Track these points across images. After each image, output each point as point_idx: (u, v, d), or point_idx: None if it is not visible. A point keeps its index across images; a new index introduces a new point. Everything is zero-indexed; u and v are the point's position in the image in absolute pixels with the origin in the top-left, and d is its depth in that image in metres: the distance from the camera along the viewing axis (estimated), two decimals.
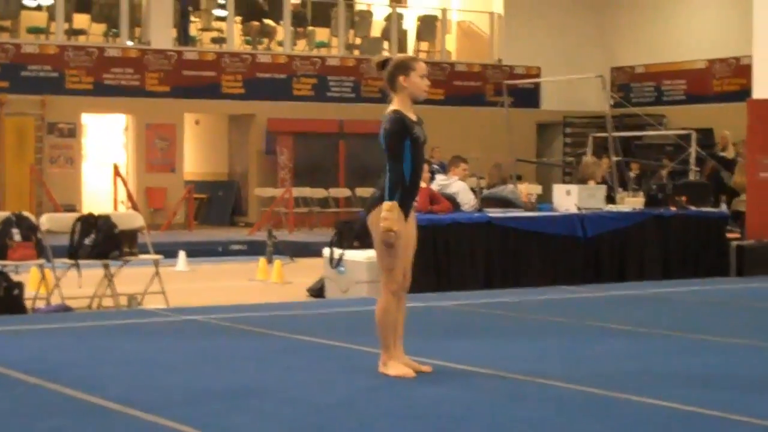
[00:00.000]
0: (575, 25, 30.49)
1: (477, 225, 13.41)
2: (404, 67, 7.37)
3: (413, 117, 7.29)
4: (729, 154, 20.94)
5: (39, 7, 26.67)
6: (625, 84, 30.23)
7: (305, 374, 7.60)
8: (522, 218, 13.93)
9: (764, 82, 15.17)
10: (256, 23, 27.97)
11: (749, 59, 15.94)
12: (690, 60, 28.86)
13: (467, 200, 14.03)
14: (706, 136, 24.46)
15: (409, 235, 7.36)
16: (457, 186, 14.11)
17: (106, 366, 7.98)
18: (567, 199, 14.50)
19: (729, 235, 15.21)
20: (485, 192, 15.17)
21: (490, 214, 13.72)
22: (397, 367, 7.27)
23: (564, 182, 22.06)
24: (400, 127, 7.18)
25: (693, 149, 20.69)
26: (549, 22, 30.14)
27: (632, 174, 22.70)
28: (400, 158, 7.14)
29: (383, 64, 7.45)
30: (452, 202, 13.63)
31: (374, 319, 7.38)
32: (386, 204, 7.06)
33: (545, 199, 18.89)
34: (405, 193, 7.24)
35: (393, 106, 7.31)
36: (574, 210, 14.23)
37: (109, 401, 6.52)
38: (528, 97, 29.07)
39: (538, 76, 29.28)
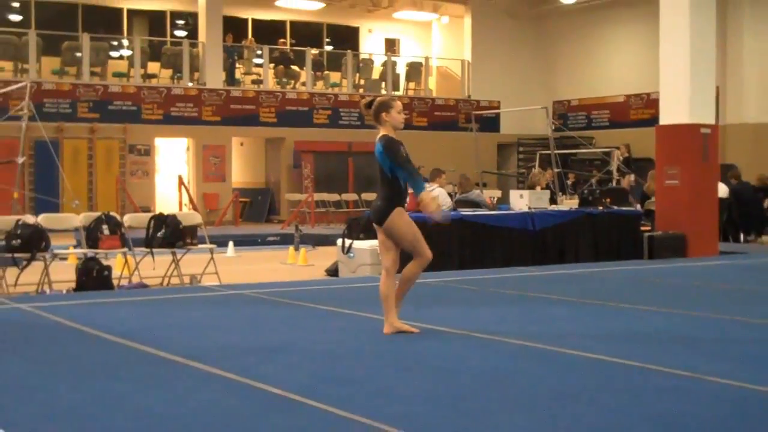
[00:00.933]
0: (526, 69, 30.54)
1: (452, 221, 13.40)
2: (385, 105, 7.42)
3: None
4: (612, 167, 21.08)
5: (121, 57, 26.68)
6: (563, 113, 30.22)
7: (323, 334, 7.61)
8: (486, 215, 13.95)
9: (668, 112, 15.13)
10: (285, 68, 27.98)
11: (657, 94, 15.91)
12: (612, 95, 28.88)
13: (445, 202, 14.02)
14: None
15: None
16: (438, 191, 14.11)
17: (172, 328, 7.99)
18: (520, 201, 14.50)
19: (642, 228, 15.23)
20: (458, 196, 15.18)
21: (462, 213, 13.73)
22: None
23: (518, 188, 22.06)
24: (393, 142, 7.24)
25: (614, 163, 20.71)
26: (506, 67, 30.20)
27: (569, 182, 22.71)
28: (402, 161, 7.20)
29: (369, 105, 7.51)
30: None
31: (378, 292, 7.44)
32: (424, 194, 7.33)
33: (504, 201, 18.91)
34: (398, 195, 7.32)
35: (382, 133, 7.36)
36: (525, 209, 14.24)
37: (175, 355, 6.53)
38: (491, 124, 29.11)
39: (498, 107, 29.28)
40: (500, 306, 9.38)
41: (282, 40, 28.91)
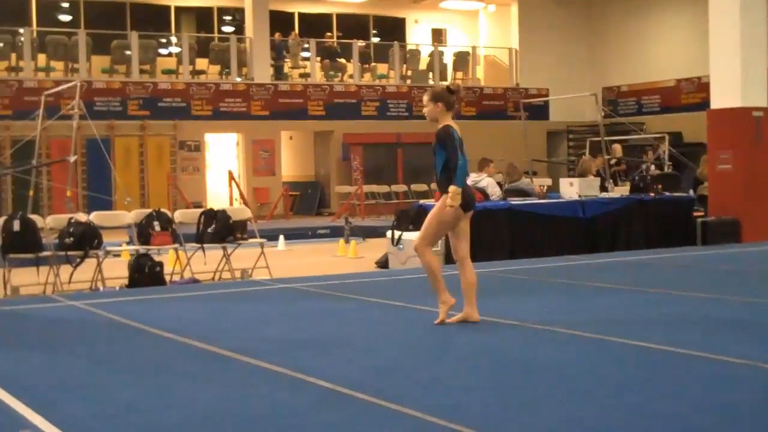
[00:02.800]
0: (574, 56, 30.32)
1: (502, 210, 13.38)
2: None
3: None
4: (614, 157, 20.77)
5: (170, 54, 26.86)
6: (613, 99, 29.97)
7: (373, 327, 7.62)
8: (536, 204, 13.89)
9: (720, 95, 14.98)
10: (332, 62, 28.02)
11: (708, 78, 15.74)
12: (663, 80, 28.58)
13: (494, 192, 13.97)
14: (676, 139, 24.23)
15: None
16: (487, 181, 14.06)
17: (224, 323, 8.05)
18: (570, 189, 14.42)
19: (695, 214, 15.08)
20: (508, 185, 15.11)
21: (512, 202, 13.67)
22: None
23: (568, 176, 21.88)
24: None
25: (666, 148, 20.51)
26: (554, 54, 30.00)
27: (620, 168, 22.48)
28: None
29: (458, 90, 7.56)
30: (483, 193, 13.58)
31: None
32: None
33: (554, 189, 18.79)
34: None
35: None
36: (576, 197, 14.15)
37: (226, 350, 6.57)
38: (539, 112, 28.91)
39: (546, 95, 29.10)
40: (551, 295, 9.34)
41: (329, 34, 28.94)
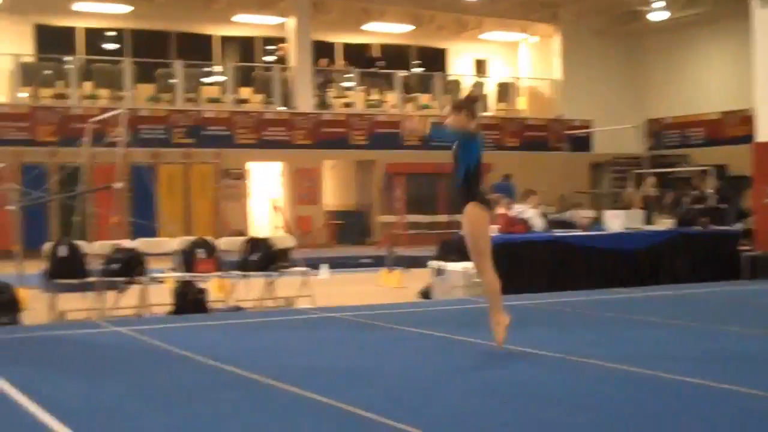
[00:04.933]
0: (618, 88, 30.21)
1: (545, 242, 13.35)
2: None
3: None
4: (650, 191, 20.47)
5: (214, 83, 27.11)
6: (657, 131, 29.83)
7: (414, 357, 7.62)
8: (580, 236, 13.85)
9: (765, 128, 14.92)
10: (375, 92, 28.14)
11: (753, 111, 15.67)
12: (707, 112, 28.43)
13: (537, 223, 13.96)
14: (721, 172, 24.07)
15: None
16: (530, 213, 14.06)
17: (267, 352, 8.09)
18: (614, 221, 14.37)
19: (742, 248, 14.95)
20: (551, 216, 15.09)
21: (555, 234, 13.65)
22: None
23: (612, 208, 21.78)
24: None
25: (713, 185, 20.36)
26: (598, 85, 29.90)
27: (667, 201, 22.35)
28: None
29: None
30: (526, 225, 13.59)
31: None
32: None
33: (598, 221, 18.71)
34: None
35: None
36: (620, 229, 14.10)
37: (269, 378, 6.60)
38: (583, 143, 28.84)
39: (590, 126, 29.01)
40: (593, 328, 9.29)
41: (375, 55, 29.10)
